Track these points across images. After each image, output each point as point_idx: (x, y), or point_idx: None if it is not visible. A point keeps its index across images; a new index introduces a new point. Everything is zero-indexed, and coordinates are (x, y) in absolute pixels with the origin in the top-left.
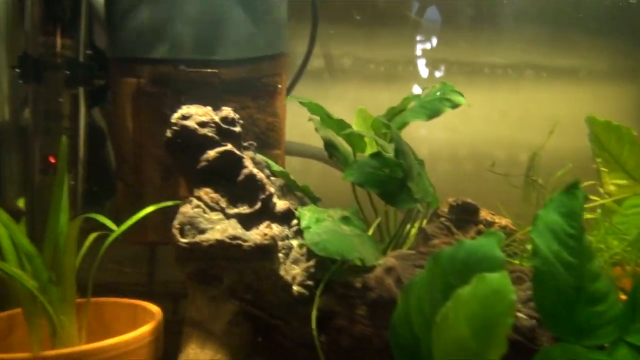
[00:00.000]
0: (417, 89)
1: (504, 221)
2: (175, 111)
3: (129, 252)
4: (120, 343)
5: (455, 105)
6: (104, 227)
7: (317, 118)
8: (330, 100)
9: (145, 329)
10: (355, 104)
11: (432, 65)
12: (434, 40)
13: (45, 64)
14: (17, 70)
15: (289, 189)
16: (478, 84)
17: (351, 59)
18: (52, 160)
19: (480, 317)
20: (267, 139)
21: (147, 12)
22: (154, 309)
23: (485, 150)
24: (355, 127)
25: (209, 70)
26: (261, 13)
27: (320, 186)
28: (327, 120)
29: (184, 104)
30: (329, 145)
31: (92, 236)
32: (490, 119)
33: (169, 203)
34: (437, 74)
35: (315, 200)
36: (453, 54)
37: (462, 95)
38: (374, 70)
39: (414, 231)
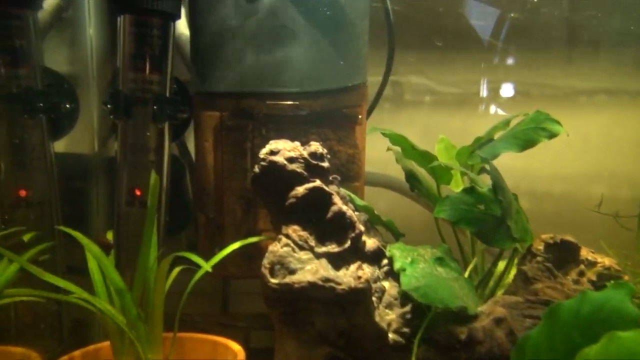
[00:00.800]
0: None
1: (607, 261)
2: (260, 145)
3: (203, 283)
4: None
5: (552, 135)
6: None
7: (398, 149)
8: (399, 126)
9: None
10: (425, 129)
11: (506, 90)
12: (509, 64)
13: (134, 99)
14: (108, 106)
15: (371, 223)
16: (557, 109)
17: (420, 84)
18: (138, 193)
19: None
20: (348, 172)
21: (230, 47)
22: (236, 347)
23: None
24: (437, 156)
25: (290, 102)
26: (343, 45)
27: (388, 212)
28: (411, 151)
29: (266, 136)
30: (411, 177)
31: (176, 270)
32: (571, 146)
33: (255, 239)
34: (509, 99)
35: (399, 236)
36: (529, 78)
37: (559, 123)
38: (444, 95)
39: (501, 266)
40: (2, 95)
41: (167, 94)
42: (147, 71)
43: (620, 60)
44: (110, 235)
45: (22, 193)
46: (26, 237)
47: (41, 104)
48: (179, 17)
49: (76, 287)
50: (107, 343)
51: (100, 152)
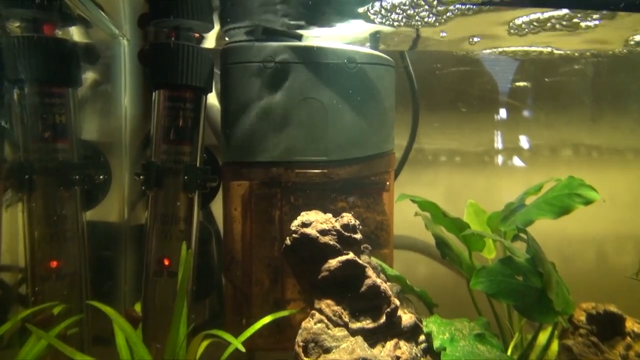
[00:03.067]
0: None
1: None
2: (289, 213)
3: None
4: None
5: (588, 202)
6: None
7: (427, 215)
8: (421, 186)
9: None
10: (448, 189)
11: (532, 149)
12: (533, 125)
13: (166, 170)
14: (140, 177)
15: (403, 293)
16: (583, 168)
17: (443, 145)
18: (167, 263)
19: None
20: (377, 239)
21: (260, 119)
22: None
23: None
24: (466, 221)
25: (318, 171)
26: (370, 115)
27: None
28: (442, 218)
29: (294, 204)
30: (441, 243)
31: (204, 344)
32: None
33: (285, 312)
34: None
35: (432, 307)
36: (554, 137)
37: (594, 189)
38: (467, 155)
39: (542, 338)
40: (40, 168)
41: (198, 164)
42: (179, 142)
43: None
44: (138, 307)
45: (54, 264)
46: (56, 311)
47: (77, 176)
48: (210, 90)
49: None
50: None
51: (130, 220)
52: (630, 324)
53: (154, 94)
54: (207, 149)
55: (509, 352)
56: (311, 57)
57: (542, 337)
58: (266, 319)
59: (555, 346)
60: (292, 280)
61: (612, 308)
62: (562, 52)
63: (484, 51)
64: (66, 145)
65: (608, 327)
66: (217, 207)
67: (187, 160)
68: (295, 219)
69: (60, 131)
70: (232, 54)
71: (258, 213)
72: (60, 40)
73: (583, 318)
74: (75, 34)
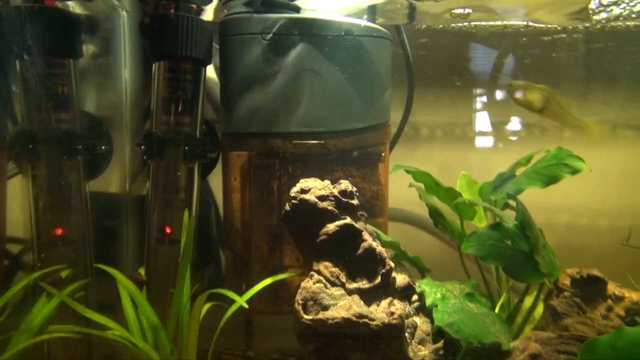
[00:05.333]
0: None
1: (634, 295)
2: (287, 183)
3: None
4: None
5: (575, 171)
6: None
7: (421, 185)
8: (416, 161)
9: None
10: (442, 164)
11: (524, 125)
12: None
13: (167, 140)
14: (142, 147)
15: (397, 259)
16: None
17: (436, 121)
18: (168, 231)
19: None
20: (372, 207)
21: (258, 91)
22: None
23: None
24: (459, 191)
25: (316, 142)
26: (367, 87)
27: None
28: (435, 188)
29: (292, 174)
30: (434, 213)
31: (207, 307)
32: (588, 180)
33: (284, 275)
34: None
35: (425, 272)
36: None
37: (581, 160)
38: (460, 131)
39: (528, 301)
40: (44, 138)
41: (198, 135)
42: (179, 113)
43: (634, 96)
44: (142, 271)
45: (59, 232)
46: (64, 274)
47: (79, 146)
48: (209, 62)
49: (114, 324)
50: None
51: (131, 190)
52: (612, 288)
53: (154, 65)
54: (206, 121)
55: (496, 311)
56: (309, 29)
57: (528, 300)
58: (267, 281)
59: (540, 307)
60: (290, 247)
61: (595, 272)
62: (555, 26)
63: (477, 24)
64: (69, 116)
65: (591, 290)
66: (214, 178)
67: (187, 131)
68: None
69: (63, 102)
70: (231, 25)
71: (257, 183)
72: (61, 11)
73: (567, 282)
74: (75, 5)
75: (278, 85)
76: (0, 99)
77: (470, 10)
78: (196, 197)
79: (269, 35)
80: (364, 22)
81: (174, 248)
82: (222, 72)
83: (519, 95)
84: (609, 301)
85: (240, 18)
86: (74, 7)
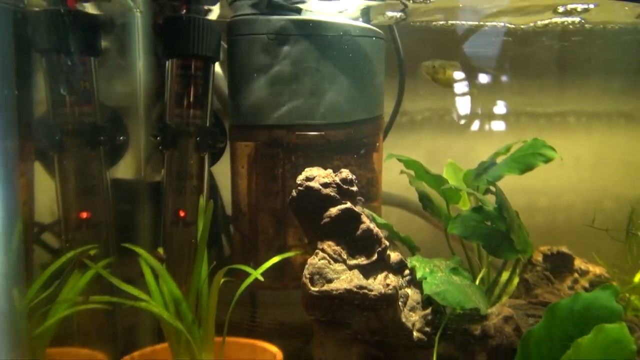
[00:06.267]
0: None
1: (598, 270)
2: (290, 171)
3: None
4: None
5: (548, 160)
6: None
7: (411, 172)
8: (406, 149)
9: None
10: (430, 152)
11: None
12: (506, 91)
13: (180, 132)
14: (157, 138)
15: (390, 238)
16: (551, 131)
17: (425, 110)
18: (182, 214)
19: None
20: (368, 193)
21: (264, 86)
22: (273, 349)
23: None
24: (445, 177)
25: (316, 133)
26: (363, 83)
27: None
28: (424, 175)
29: (295, 163)
30: (423, 197)
31: (222, 281)
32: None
33: (291, 254)
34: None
35: (415, 250)
36: (524, 104)
37: (554, 149)
38: (448, 120)
39: (505, 276)
40: (70, 130)
41: (208, 127)
42: (191, 107)
43: (607, 86)
44: (161, 250)
45: (84, 215)
46: (93, 252)
47: (101, 137)
48: (218, 59)
49: (145, 295)
50: (161, 346)
51: (145, 177)
52: (578, 263)
53: (167, 63)
54: (214, 113)
55: (477, 283)
56: (311, 30)
57: (505, 275)
58: (275, 259)
59: (515, 281)
60: (293, 229)
61: (564, 249)
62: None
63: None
64: (91, 109)
65: (560, 265)
66: (218, 167)
67: (199, 123)
68: (296, 175)
69: (85, 97)
70: (239, 26)
71: (263, 170)
72: (83, 13)
73: (540, 258)
74: (93, 6)
75: (281, 81)
76: (25, 94)
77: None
78: (206, 183)
79: (274, 36)
80: (360, 23)
81: (187, 230)
82: (230, 69)
83: (440, 75)
84: (576, 275)
85: (248, 19)
86: (92, 8)
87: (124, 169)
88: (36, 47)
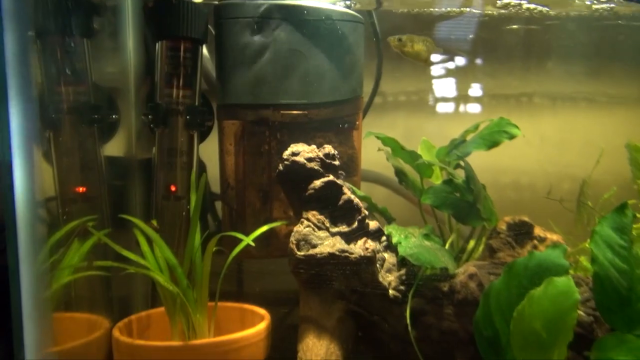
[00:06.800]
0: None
1: (555, 237)
2: (276, 148)
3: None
4: (247, 336)
5: (512, 137)
6: None
7: (388, 149)
8: (382, 129)
9: (262, 326)
10: (405, 131)
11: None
12: (477, 74)
13: (171, 111)
14: (148, 116)
15: (369, 210)
16: (519, 112)
17: (400, 92)
18: (173, 189)
19: (551, 313)
20: (348, 168)
21: (251, 67)
22: (262, 311)
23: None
24: (420, 154)
25: (300, 112)
26: (344, 65)
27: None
28: (400, 151)
29: (280, 140)
30: (399, 172)
31: (213, 249)
32: (530, 145)
33: (278, 223)
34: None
35: (391, 220)
36: (495, 86)
37: (517, 127)
38: (421, 101)
39: (471, 244)
40: (67, 109)
41: (197, 106)
42: (181, 87)
43: (571, 70)
44: (155, 222)
45: (80, 190)
46: (91, 224)
47: (95, 116)
48: (206, 41)
49: (145, 261)
50: (156, 310)
51: (136, 154)
52: (537, 231)
53: (157, 44)
54: (202, 93)
55: (446, 247)
56: (295, 15)
57: (472, 242)
58: (264, 228)
59: (481, 247)
60: (278, 202)
61: (525, 218)
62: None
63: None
64: (85, 89)
65: (521, 232)
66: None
67: (188, 102)
68: (281, 152)
69: (80, 77)
70: (226, 10)
71: (249, 147)
72: None
73: (504, 227)
74: None
75: (267, 63)
76: None
77: None
78: (195, 159)
79: (260, 19)
80: (341, 8)
81: (178, 204)
82: (217, 51)
83: (408, 48)
84: (535, 241)
85: (234, 4)
86: None
87: (116, 147)
88: (32, 29)
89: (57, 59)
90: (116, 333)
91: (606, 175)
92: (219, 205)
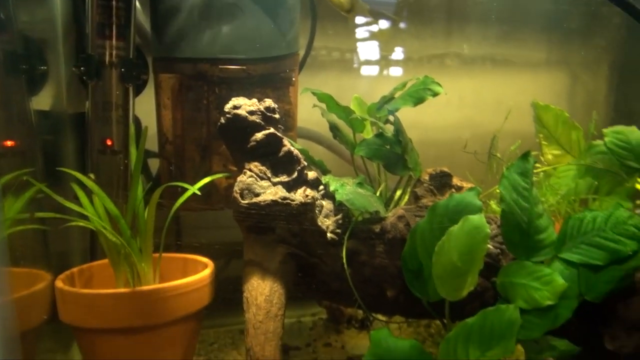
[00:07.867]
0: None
1: (470, 185)
2: (214, 102)
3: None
4: (191, 282)
5: (435, 94)
6: None
7: (323, 105)
8: (315, 87)
9: (206, 272)
10: (337, 89)
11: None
12: (403, 35)
13: (104, 63)
14: (80, 68)
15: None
16: (441, 73)
17: (332, 51)
18: (109, 143)
19: (466, 246)
20: (285, 123)
21: (188, 19)
22: (204, 259)
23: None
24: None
25: (239, 67)
26: (281, 20)
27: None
28: (335, 107)
29: (219, 95)
30: (333, 127)
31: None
32: (450, 104)
33: (219, 175)
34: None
35: (327, 172)
36: (420, 47)
37: (440, 85)
38: (351, 61)
39: (399, 193)
40: None
41: (132, 58)
42: (114, 38)
43: (487, 34)
44: (93, 176)
45: (9, 143)
46: (25, 178)
47: (22, 66)
48: None
49: (87, 213)
50: (97, 263)
51: (67, 108)
52: (456, 180)
53: None
54: (136, 46)
55: (377, 194)
56: None
57: (399, 192)
58: (205, 180)
59: (407, 196)
60: (217, 156)
61: (445, 169)
62: None
63: None
64: (10, 38)
65: (442, 181)
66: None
67: (122, 54)
68: (220, 107)
69: (3, 25)
70: None
71: (188, 102)
72: None
73: (427, 177)
74: None
75: (204, 16)
76: None
77: None
78: (131, 113)
79: None
80: None
81: (114, 158)
82: (152, 1)
83: None
84: (453, 190)
85: None
86: None
87: (46, 100)
88: None
89: None
90: (59, 284)
91: (514, 131)
92: (151, 163)
